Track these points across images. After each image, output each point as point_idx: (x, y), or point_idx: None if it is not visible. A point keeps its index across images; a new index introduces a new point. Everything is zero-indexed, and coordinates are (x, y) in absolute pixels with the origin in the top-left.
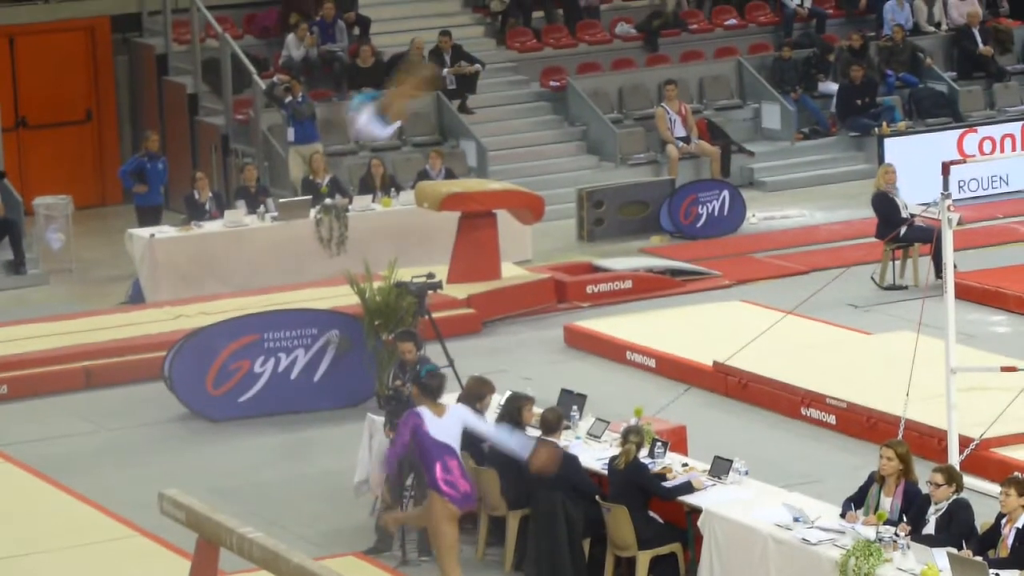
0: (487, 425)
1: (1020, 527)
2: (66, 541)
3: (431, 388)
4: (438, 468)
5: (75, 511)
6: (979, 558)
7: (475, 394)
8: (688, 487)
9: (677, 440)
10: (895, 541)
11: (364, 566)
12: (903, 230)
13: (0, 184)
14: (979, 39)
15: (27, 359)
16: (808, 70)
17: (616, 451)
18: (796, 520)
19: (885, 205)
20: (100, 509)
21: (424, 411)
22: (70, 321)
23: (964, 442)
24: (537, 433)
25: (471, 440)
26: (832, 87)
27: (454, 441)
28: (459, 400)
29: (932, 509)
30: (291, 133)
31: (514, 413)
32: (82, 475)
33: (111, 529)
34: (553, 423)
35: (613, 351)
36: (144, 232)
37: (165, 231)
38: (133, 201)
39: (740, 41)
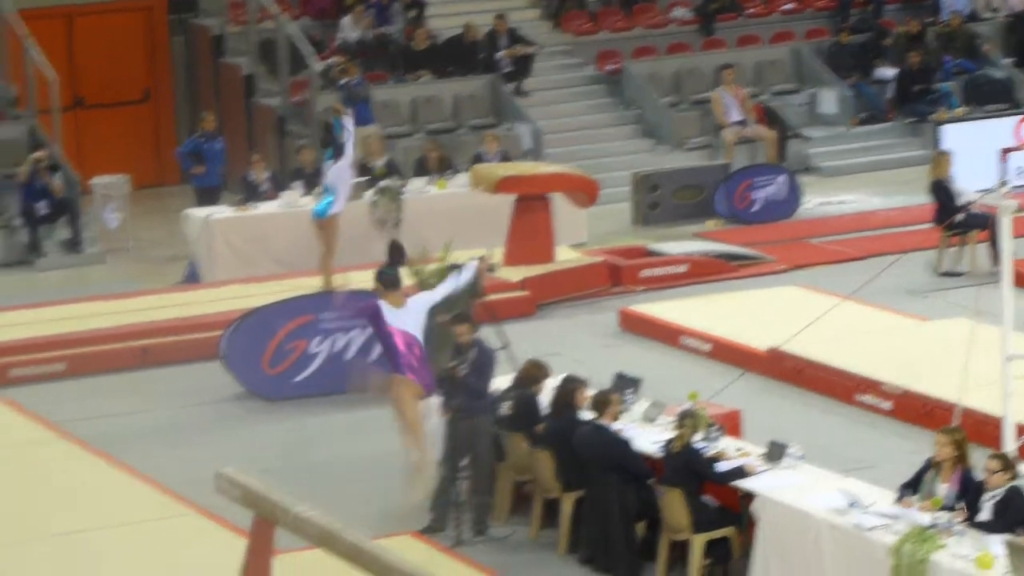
0: (440, 289)
1: (1000, 497)
2: (122, 519)
3: (388, 280)
4: (400, 352)
5: (131, 489)
6: None
7: (530, 377)
8: (740, 472)
9: (732, 425)
10: (950, 527)
11: (419, 545)
12: (960, 217)
13: (58, 165)
14: None
15: (84, 337)
16: (865, 55)
17: (671, 435)
18: (851, 505)
19: (942, 192)
20: (156, 487)
21: (382, 303)
22: (127, 300)
23: (1020, 429)
24: (590, 416)
25: (526, 422)
26: (889, 73)
27: (414, 330)
28: (514, 385)
29: (987, 496)
30: None
31: (567, 396)
32: (138, 453)
33: (167, 507)
34: (603, 405)
35: (667, 335)
36: (200, 212)
37: (221, 211)
38: (191, 182)
39: (797, 26)
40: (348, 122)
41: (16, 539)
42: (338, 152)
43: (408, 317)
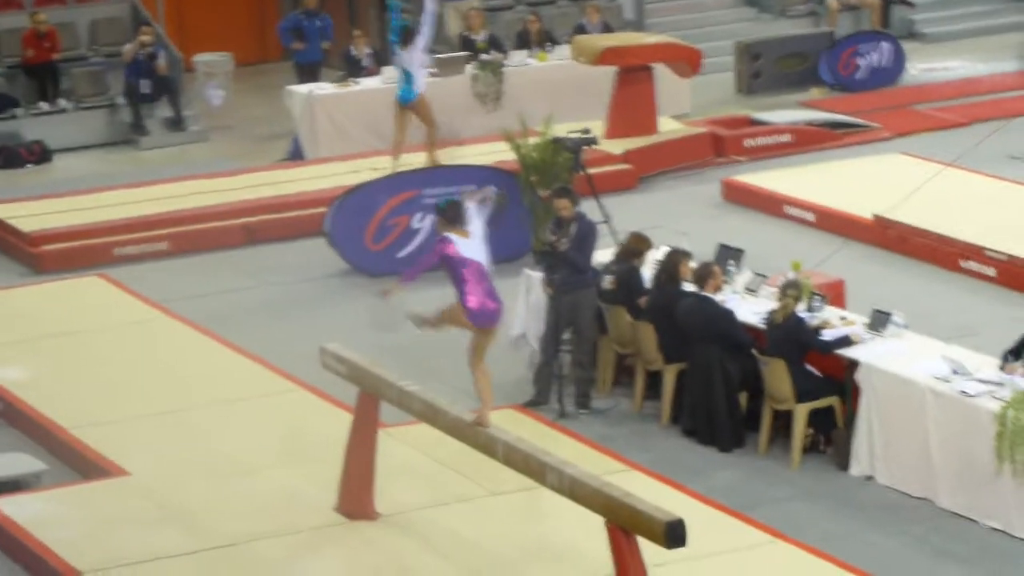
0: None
1: None
2: (228, 395)
3: (451, 215)
4: (468, 283)
5: (236, 365)
6: None
7: (633, 250)
8: (846, 340)
9: (835, 294)
10: None
11: (522, 419)
12: None
13: (162, 42)
14: None
15: (188, 215)
16: None
17: (774, 305)
18: (955, 372)
19: None
20: (261, 363)
21: (453, 237)
22: (230, 178)
23: None
24: (693, 288)
25: (629, 295)
26: None
27: (482, 258)
28: (617, 258)
29: None
30: None
31: (671, 268)
32: (243, 330)
33: (272, 383)
34: (704, 277)
35: (771, 205)
36: (303, 89)
37: (323, 88)
38: (292, 58)
39: None
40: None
41: (123, 416)
42: (407, 38)
43: (476, 245)
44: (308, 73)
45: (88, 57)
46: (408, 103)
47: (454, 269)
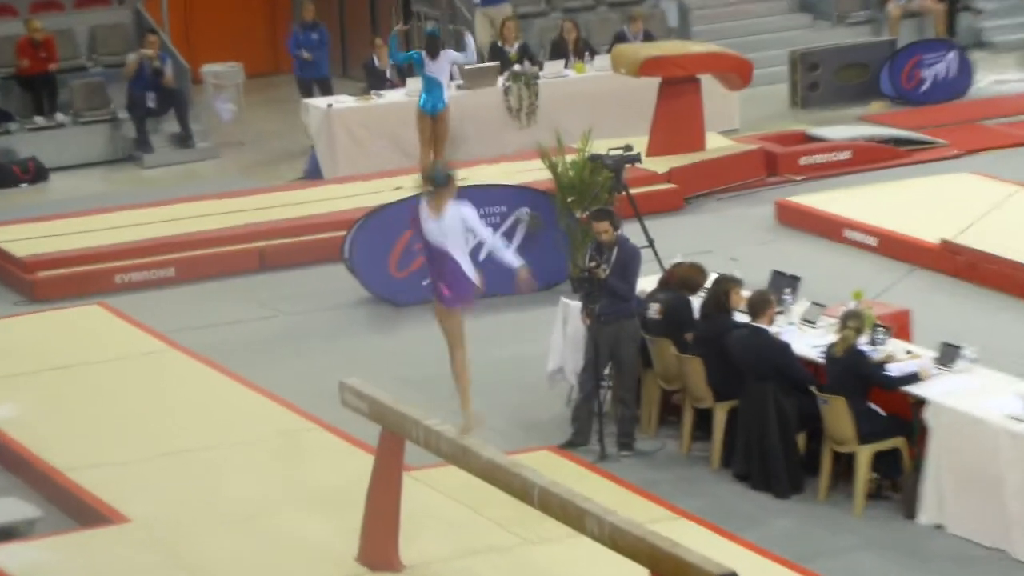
0: (486, 231)
1: None
2: (240, 435)
3: (438, 179)
4: (429, 268)
5: (248, 402)
6: None
7: (685, 279)
8: (914, 377)
9: (900, 325)
10: None
11: (559, 461)
12: None
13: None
14: None
15: (196, 239)
16: None
17: (833, 338)
18: None
19: None
20: (276, 400)
21: (423, 207)
22: (242, 198)
23: None
24: (746, 319)
25: (677, 327)
26: None
27: (449, 244)
28: (662, 286)
29: None
30: None
31: (720, 297)
32: (255, 364)
33: (287, 421)
34: (758, 307)
35: (829, 229)
36: (321, 102)
37: (343, 101)
38: (295, 73)
39: None
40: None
41: (124, 458)
42: (434, 47)
43: (444, 228)
44: (306, 89)
45: (88, 67)
46: (436, 114)
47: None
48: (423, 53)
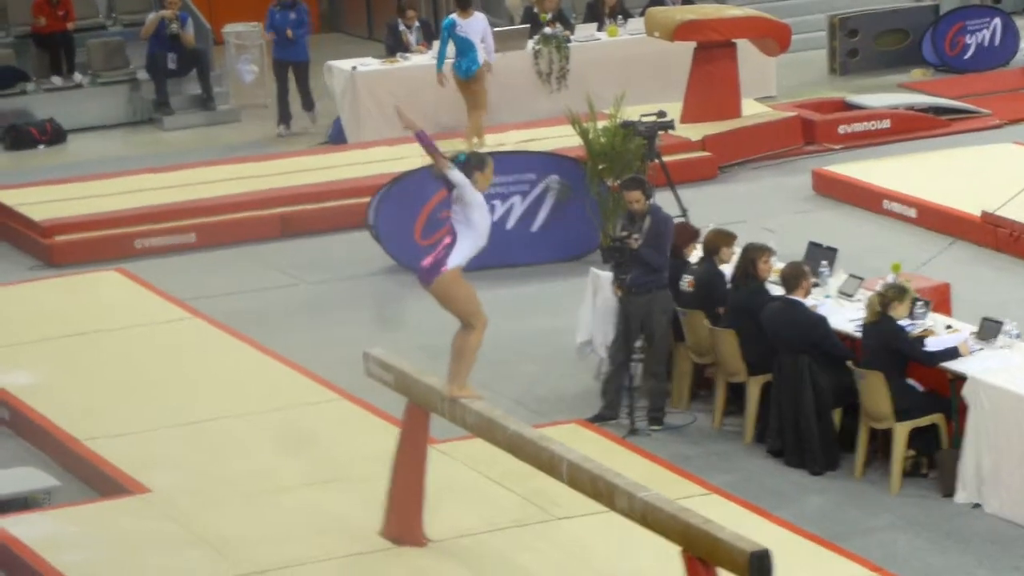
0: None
1: None
2: (260, 404)
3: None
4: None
5: (270, 372)
6: None
7: (711, 246)
8: (954, 352)
9: (940, 299)
10: None
11: (588, 435)
12: None
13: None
14: None
15: (217, 204)
16: None
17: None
18: None
19: None
20: (298, 369)
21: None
22: (264, 163)
23: None
24: (780, 291)
25: (710, 299)
26: None
27: (455, 222)
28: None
29: None
30: None
31: (749, 264)
32: (278, 333)
33: (311, 392)
34: (793, 279)
35: (868, 199)
36: (345, 64)
37: (368, 64)
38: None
39: None
40: None
41: (143, 427)
42: (465, 2)
43: (461, 213)
44: (283, 73)
45: (106, 27)
46: (470, 77)
47: None
48: (453, 15)
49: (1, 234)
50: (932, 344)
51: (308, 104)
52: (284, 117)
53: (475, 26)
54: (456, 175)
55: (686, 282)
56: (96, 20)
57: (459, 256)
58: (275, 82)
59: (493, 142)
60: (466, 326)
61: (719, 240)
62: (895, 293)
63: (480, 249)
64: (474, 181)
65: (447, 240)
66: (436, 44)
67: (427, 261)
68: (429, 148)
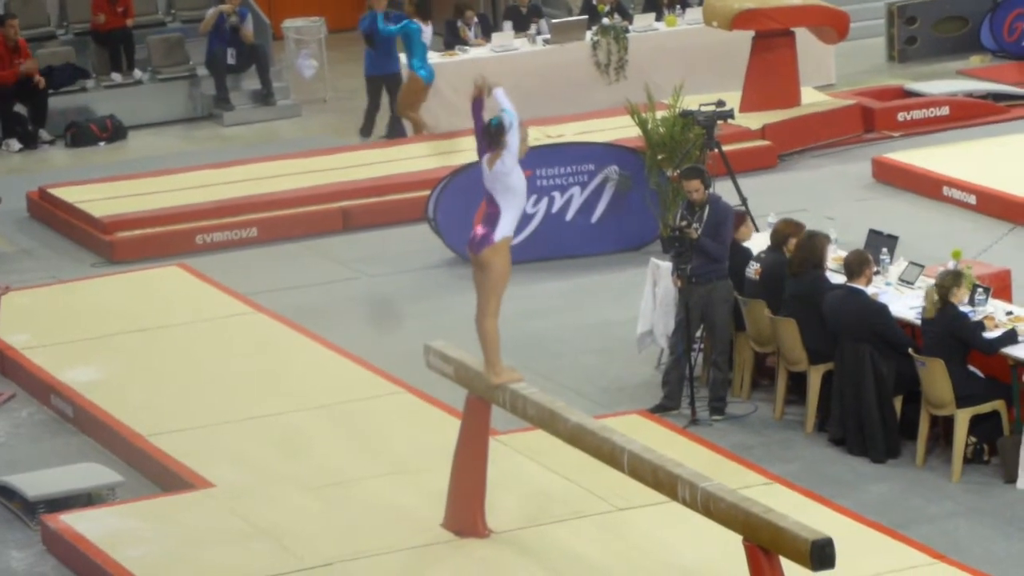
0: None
1: None
2: (322, 398)
3: (492, 134)
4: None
5: (332, 365)
6: None
7: (780, 236)
8: (1013, 337)
9: (1001, 285)
10: None
11: (649, 425)
12: None
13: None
14: None
15: (278, 199)
16: None
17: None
18: None
19: None
20: (359, 363)
21: (485, 158)
22: (325, 157)
23: None
24: (840, 279)
25: (772, 289)
26: None
27: (493, 189)
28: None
29: None
30: None
31: (810, 252)
32: (338, 326)
33: (373, 385)
34: (856, 267)
35: (928, 186)
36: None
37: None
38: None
39: None
40: None
41: (206, 422)
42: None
43: (495, 182)
44: (374, 88)
45: (166, 23)
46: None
47: None
48: (417, 21)
49: (63, 231)
50: (991, 331)
51: (396, 131)
52: (367, 131)
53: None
54: (512, 139)
55: (752, 270)
56: (155, 16)
57: (507, 225)
58: (367, 97)
59: (553, 133)
60: (481, 308)
61: (788, 230)
62: (952, 279)
63: (521, 211)
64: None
65: (491, 210)
66: (496, 36)
67: (480, 230)
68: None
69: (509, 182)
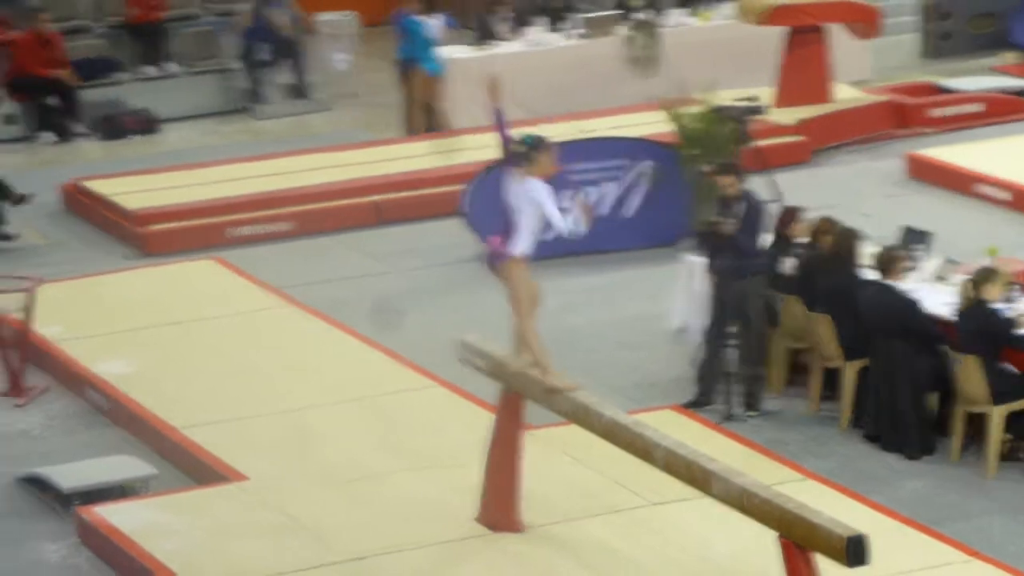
0: (552, 207)
1: None
2: (356, 391)
3: (520, 155)
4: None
5: (365, 358)
6: None
7: (816, 231)
8: None
9: None
10: None
11: (684, 421)
12: None
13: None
14: None
15: (312, 193)
16: None
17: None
18: None
19: None
20: (393, 356)
21: (512, 171)
22: (358, 151)
23: None
24: (874, 275)
25: (807, 285)
26: None
27: (516, 204)
28: (776, 239)
29: None
30: None
31: (844, 249)
32: (372, 320)
33: (406, 378)
34: (889, 262)
35: (962, 182)
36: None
37: (459, 51)
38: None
39: None
40: None
41: (239, 415)
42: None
43: (521, 196)
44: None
45: (199, 16)
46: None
47: None
48: (416, 16)
49: (96, 224)
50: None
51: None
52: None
53: (432, 25)
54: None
55: (788, 265)
56: (189, 10)
57: (525, 241)
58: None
59: (586, 128)
60: (515, 314)
61: (823, 226)
62: (985, 275)
63: (540, 231)
64: (536, 164)
65: (510, 223)
66: (528, 30)
67: (497, 243)
68: (501, 127)
69: (535, 197)
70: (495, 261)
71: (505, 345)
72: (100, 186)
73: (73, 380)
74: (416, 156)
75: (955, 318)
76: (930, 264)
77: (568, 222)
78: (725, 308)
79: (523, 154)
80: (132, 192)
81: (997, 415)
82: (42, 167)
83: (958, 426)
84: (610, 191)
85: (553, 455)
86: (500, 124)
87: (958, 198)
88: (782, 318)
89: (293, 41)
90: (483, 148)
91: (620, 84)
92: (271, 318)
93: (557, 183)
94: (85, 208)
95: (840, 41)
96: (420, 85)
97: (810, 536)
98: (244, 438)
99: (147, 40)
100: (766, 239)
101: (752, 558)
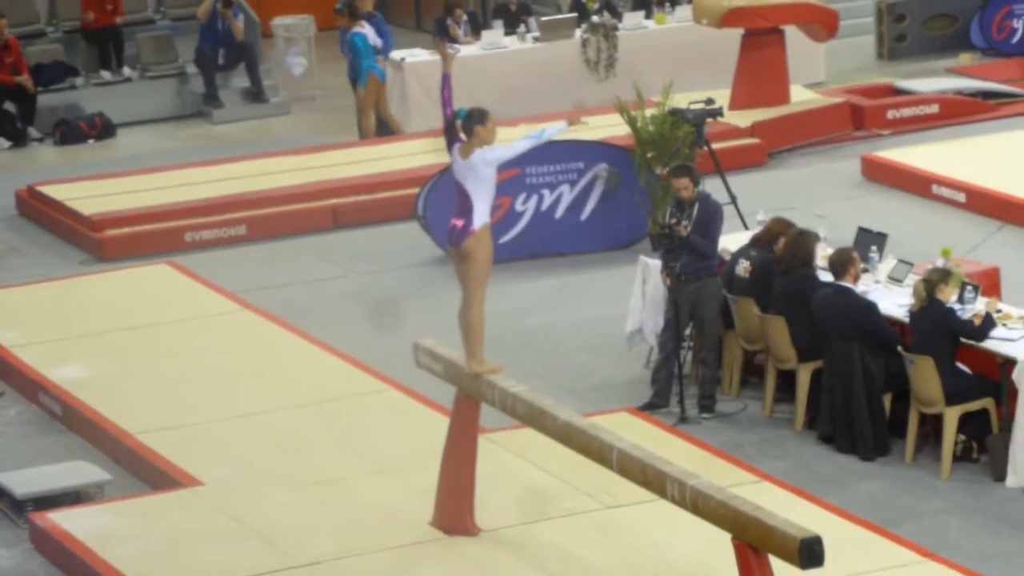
0: (514, 145)
1: None
2: (312, 396)
3: (465, 124)
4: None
5: (321, 363)
6: None
7: (771, 234)
8: (990, 321)
9: (989, 284)
10: None
11: (638, 423)
12: None
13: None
14: None
15: (267, 197)
16: None
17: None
18: None
19: None
20: (348, 360)
21: (455, 150)
22: (314, 155)
23: None
24: (829, 277)
25: (762, 287)
26: None
27: (470, 183)
28: (752, 243)
29: None
30: None
31: (799, 251)
32: (328, 324)
33: (361, 383)
34: (841, 265)
35: (917, 184)
36: (394, 56)
37: (416, 55)
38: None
39: None
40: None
41: (195, 420)
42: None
43: (468, 171)
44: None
45: (155, 21)
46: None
47: None
48: (357, 30)
49: (51, 228)
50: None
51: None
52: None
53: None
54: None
55: (742, 268)
56: (144, 14)
57: (483, 212)
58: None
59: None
60: (467, 298)
61: (777, 228)
62: (939, 276)
63: (493, 198)
64: (476, 135)
65: (463, 201)
66: (486, 34)
67: (457, 222)
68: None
69: (481, 171)
70: (459, 240)
71: (460, 349)
72: (56, 191)
73: (28, 386)
74: (373, 160)
75: (909, 319)
76: (885, 265)
77: (550, 131)
78: (680, 310)
79: (460, 128)
80: (88, 197)
81: (951, 416)
82: None
83: (913, 427)
84: (566, 194)
85: (508, 458)
86: (446, 90)
87: (914, 199)
88: (737, 320)
89: (249, 45)
90: (438, 151)
91: (577, 87)
92: (227, 323)
93: (515, 186)
94: (41, 213)
95: (795, 43)
96: (373, 92)
97: (764, 538)
98: (199, 443)
99: (103, 45)
100: (721, 241)
101: (708, 560)
